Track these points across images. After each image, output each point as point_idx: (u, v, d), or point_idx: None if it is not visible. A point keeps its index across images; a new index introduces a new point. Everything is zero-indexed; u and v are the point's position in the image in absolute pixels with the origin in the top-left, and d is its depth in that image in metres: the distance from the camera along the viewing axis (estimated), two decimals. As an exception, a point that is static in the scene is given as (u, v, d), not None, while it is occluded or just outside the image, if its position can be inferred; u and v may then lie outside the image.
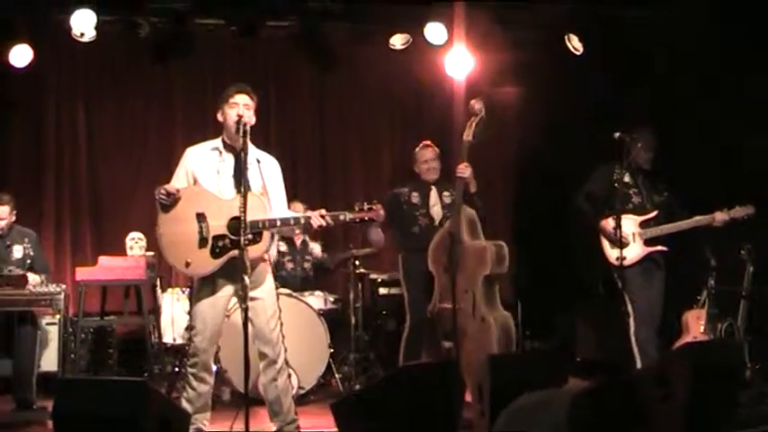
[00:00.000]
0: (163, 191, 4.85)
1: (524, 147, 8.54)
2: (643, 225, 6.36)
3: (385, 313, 7.55)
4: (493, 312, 6.09)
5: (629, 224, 6.33)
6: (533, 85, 8.04)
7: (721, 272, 6.56)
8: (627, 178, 6.42)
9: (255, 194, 4.81)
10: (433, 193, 6.50)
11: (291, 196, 6.25)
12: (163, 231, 4.91)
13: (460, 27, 7.51)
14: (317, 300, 6.98)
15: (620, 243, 5.88)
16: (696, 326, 6.53)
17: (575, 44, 7.46)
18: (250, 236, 4.66)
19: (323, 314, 6.69)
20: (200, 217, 4.84)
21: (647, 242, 6.34)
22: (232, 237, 4.76)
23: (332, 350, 6.60)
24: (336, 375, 6.74)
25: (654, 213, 6.39)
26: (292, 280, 7.34)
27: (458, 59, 7.53)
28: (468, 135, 6.10)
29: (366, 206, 4.85)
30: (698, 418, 4.96)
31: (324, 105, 8.97)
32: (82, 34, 7.16)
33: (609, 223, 6.27)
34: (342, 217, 4.85)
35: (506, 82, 7.75)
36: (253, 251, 4.69)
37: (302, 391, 6.28)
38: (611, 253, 6.34)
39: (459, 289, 5.99)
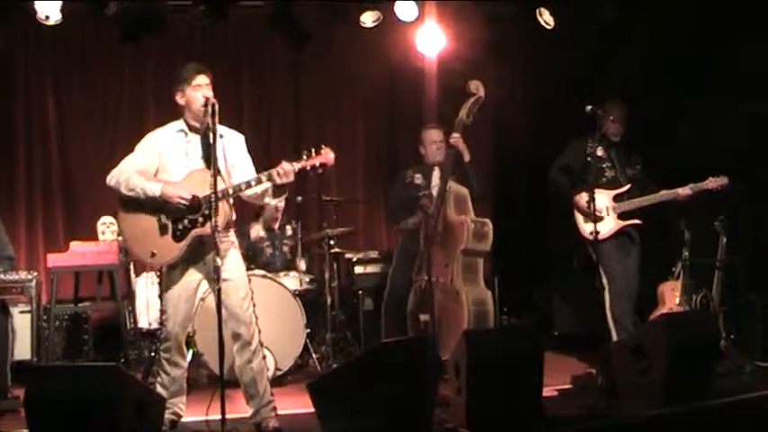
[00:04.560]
0: (184, 200, 4.78)
1: (499, 122, 8.50)
2: (617, 199, 6.39)
3: (361, 292, 7.50)
4: (469, 288, 6.13)
5: (603, 198, 6.36)
6: (506, 60, 8.00)
7: (696, 243, 6.58)
8: (600, 152, 6.44)
9: (201, 170, 4.81)
10: (436, 173, 6.61)
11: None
12: (123, 228, 4.99)
13: (431, 3, 7.48)
14: (293, 280, 6.92)
15: (594, 217, 5.88)
16: (671, 297, 6.56)
17: (546, 18, 7.42)
18: (206, 212, 4.68)
19: (298, 295, 6.64)
20: (156, 204, 4.81)
21: (621, 216, 6.36)
22: (190, 216, 4.76)
23: (308, 330, 6.56)
24: (314, 356, 6.71)
25: (627, 187, 6.42)
26: (272, 263, 7.26)
27: (429, 36, 7.50)
28: (464, 115, 6.30)
29: (313, 152, 4.79)
30: (675, 388, 5.00)
31: (297, 84, 8.87)
32: (47, 17, 7.06)
33: (583, 197, 6.26)
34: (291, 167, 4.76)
35: (478, 58, 7.69)
36: (209, 226, 4.65)
37: (279, 373, 6.25)
38: (585, 227, 6.37)
39: (440, 263, 6.10)
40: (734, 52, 6.85)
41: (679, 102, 7.20)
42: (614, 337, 6.23)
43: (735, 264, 6.61)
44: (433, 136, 6.71)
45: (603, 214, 6.36)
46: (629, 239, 6.46)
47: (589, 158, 6.35)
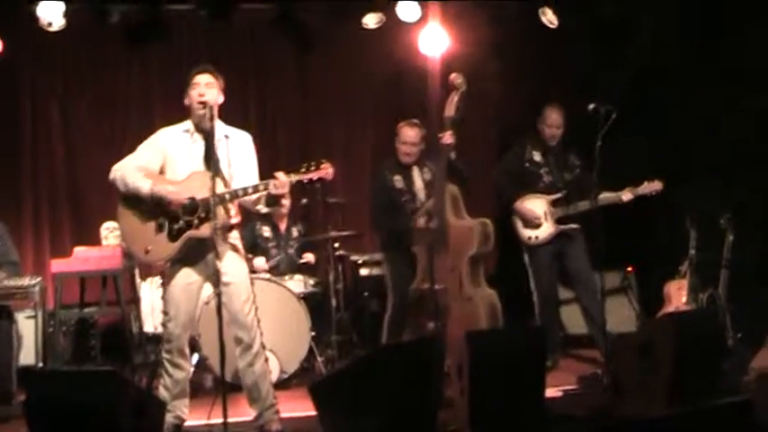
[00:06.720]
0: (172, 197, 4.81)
1: (502, 122, 8.46)
2: (554, 204, 6.52)
3: (367, 294, 7.47)
4: (478, 291, 6.06)
5: (540, 204, 6.52)
6: (509, 60, 7.97)
7: (702, 241, 6.54)
8: (537, 157, 6.62)
9: (202, 172, 4.82)
10: (416, 174, 6.44)
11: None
12: (122, 224, 5.03)
13: (434, 4, 7.46)
14: (297, 284, 6.89)
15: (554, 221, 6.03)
16: (678, 296, 6.52)
17: (549, 17, 7.39)
18: (202, 214, 4.71)
19: (303, 298, 6.62)
20: (154, 203, 4.84)
21: (559, 221, 6.49)
22: (186, 218, 4.78)
23: (313, 333, 6.54)
24: (319, 359, 6.66)
25: (562, 193, 6.52)
26: (276, 266, 7.23)
27: (432, 37, 7.48)
28: (449, 111, 6.03)
29: (313, 165, 4.78)
30: (681, 387, 4.96)
31: (303, 87, 8.84)
32: (50, 24, 7.08)
33: (521, 204, 6.50)
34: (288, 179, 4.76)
35: (482, 58, 7.66)
36: (206, 228, 4.69)
37: (284, 376, 6.25)
38: (524, 233, 6.57)
39: (444, 268, 5.96)
40: (742, 42, 6.80)
41: (686, 95, 7.17)
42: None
43: (743, 261, 6.56)
44: (407, 136, 6.42)
45: (542, 220, 6.52)
46: (568, 239, 6.55)
47: (527, 164, 6.53)
